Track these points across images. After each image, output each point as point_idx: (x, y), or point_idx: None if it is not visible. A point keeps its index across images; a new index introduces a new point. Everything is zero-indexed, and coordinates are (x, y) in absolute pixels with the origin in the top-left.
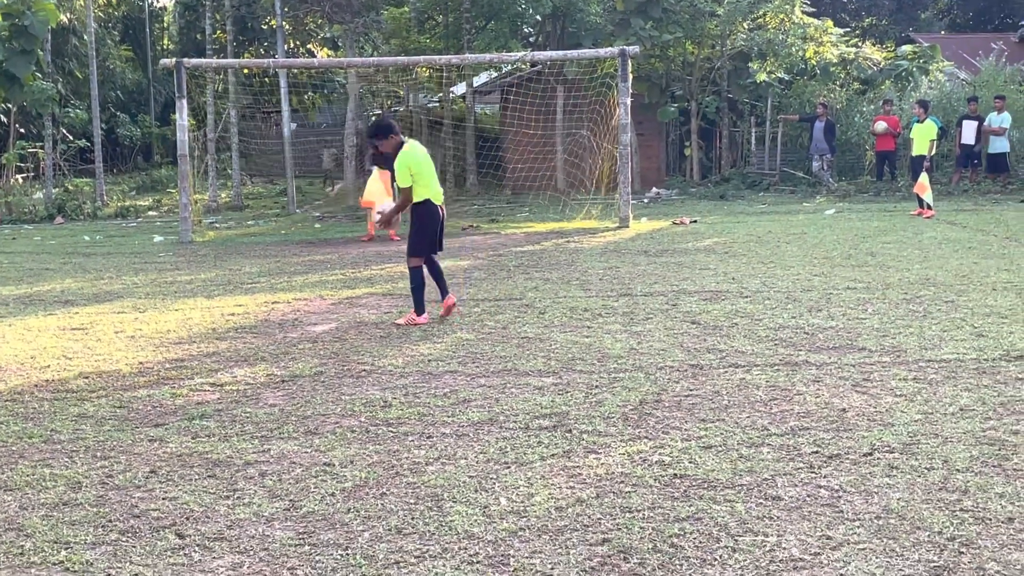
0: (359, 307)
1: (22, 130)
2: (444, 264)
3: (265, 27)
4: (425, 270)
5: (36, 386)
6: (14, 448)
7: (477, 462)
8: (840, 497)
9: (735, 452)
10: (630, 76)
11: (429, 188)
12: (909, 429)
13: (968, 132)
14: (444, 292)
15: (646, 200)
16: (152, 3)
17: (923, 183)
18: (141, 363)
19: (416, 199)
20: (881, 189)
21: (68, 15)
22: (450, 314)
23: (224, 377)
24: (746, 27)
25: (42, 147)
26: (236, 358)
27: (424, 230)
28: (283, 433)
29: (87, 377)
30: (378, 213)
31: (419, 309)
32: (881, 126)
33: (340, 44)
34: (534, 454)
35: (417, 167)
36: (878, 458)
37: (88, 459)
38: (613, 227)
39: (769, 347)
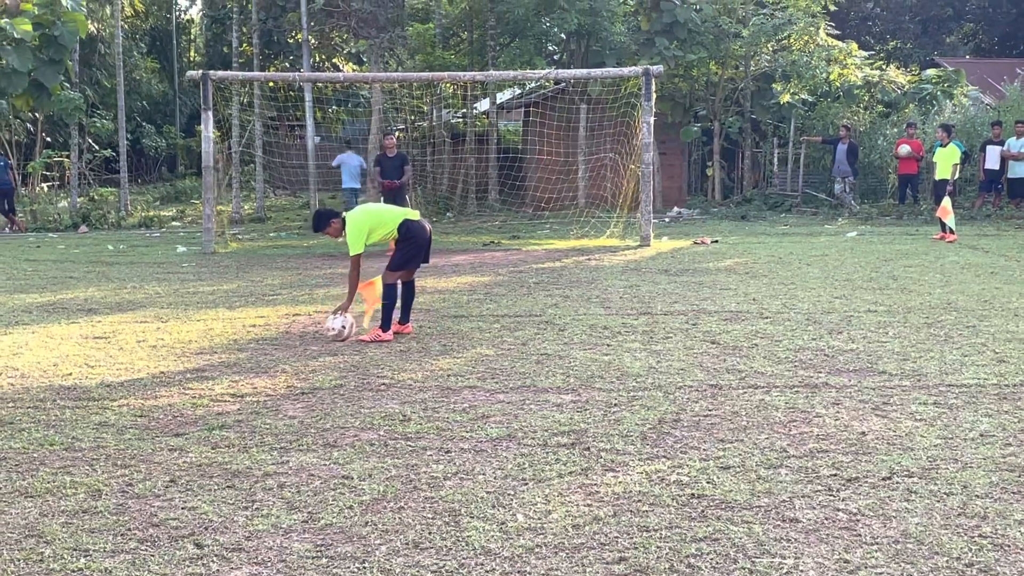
0: (379, 320)
1: (49, 139)
2: (465, 279)
3: (291, 41)
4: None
5: (58, 393)
6: (35, 455)
7: (495, 478)
8: (858, 521)
9: (753, 473)
10: (653, 95)
11: (402, 215)
12: (928, 454)
13: (992, 157)
14: (405, 318)
15: (667, 219)
16: (180, 15)
17: (946, 207)
18: (162, 372)
19: (397, 231)
20: (903, 212)
21: (97, 25)
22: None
23: (244, 388)
24: (770, 49)
25: (68, 156)
26: (256, 369)
27: (411, 249)
28: (302, 445)
29: (109, 385)
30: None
31: (386, 326)
32: (904, 149)
33: (365, 59)
34: (552, 471)
35: (376, 221)
36: (897, 482)
37: (108, 467)
38: (634, 245)
39: (789, 369)
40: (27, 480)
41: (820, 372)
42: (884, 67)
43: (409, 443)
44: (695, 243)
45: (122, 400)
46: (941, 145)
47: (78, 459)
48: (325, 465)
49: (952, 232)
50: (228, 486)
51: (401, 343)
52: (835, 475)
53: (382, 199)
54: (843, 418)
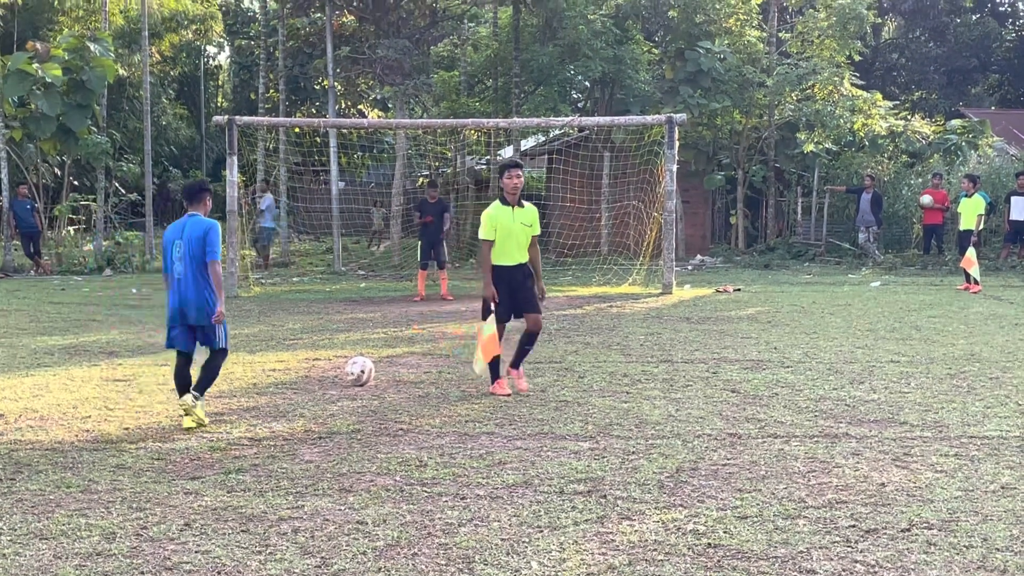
0: (399, 366)
1: (76, 183)
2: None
3: (318, 87)
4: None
5: (77, 436)
6: (51, 497)
7: (510, 525)
8: (876, 573)
9: (771, 523)
10: (676, 143)
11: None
12: (948, 506)
13: (1017, 208)
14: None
15: (690, 267)
16: (208, 62)
17: (970, 258)
18: (181, 416)
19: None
20: (928, 263)
21: (126, 70)
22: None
23: (262, 432)
24: (794, 98)
25: (94, 200)
26: (275, 413)
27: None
28: (317, 490)
29: (127, 428)
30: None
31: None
32: (925, 199)
33: (390, 105)
34: (567, 519)
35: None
36: (916, 534)
37: (124, 510)
38: (656, 293)
39: (809, 418)
40: (42, 522)
41: (840, 422)
42: (909, 117)
43: (425, 489)
44: (717, 291)
45: (140, 443)
46: (966, 195)
47: (94, 501)
48: (340, 510)
49: (977, 283)
50: (243, 530)
51: (420, 388)
52: (854, 526)
53: (420, 242)
54: (863, 469)
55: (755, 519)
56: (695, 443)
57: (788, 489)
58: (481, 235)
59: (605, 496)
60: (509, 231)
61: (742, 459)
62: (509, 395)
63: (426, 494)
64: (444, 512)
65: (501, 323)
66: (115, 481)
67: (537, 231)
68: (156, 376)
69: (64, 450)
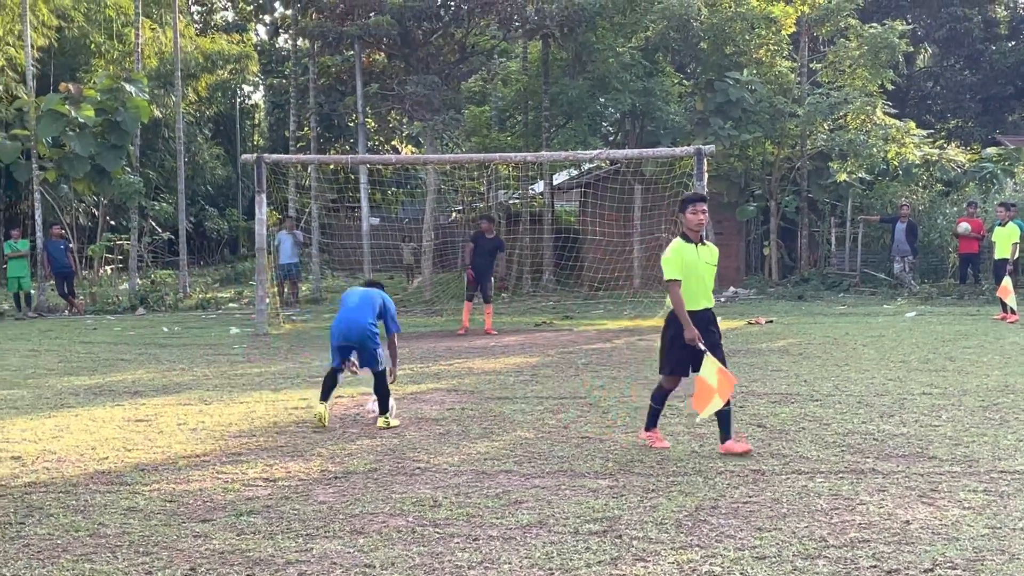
0: (422, 402)
1: (112, 222)
2: (513, 360)
3: (351, 124)
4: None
5: (91, 477)
6: (59, 541)
7: (520, 567)
8: None
9: (789, 564)
10: (706, 175)
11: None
12: (975, 544)
13: None
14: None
15: (723, 299)
16: (243, 101)
17: (1007, 287)
18: (198, 456)
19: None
20: (964, 292)
21: (161, 110)
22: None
23: (278, 472)
24: (826, 128)
25: (128, 239)
26: (293, 452)
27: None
28: (328, 532)
29: (143, 469)
30: None
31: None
32: (965, 227)
33: (422, 141)
34: (580, 560)
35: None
36: (939, 574)
37: (130, 554)
38: None
39: (835, 453)
40: (47, 567)
41: (868, 457)
42: (944, 146)
43: (437, 530)
44: (749, 323)
45: (154, 484)
46: (1000, 224)
47: (101, 546)
48: (349, 553)
49: (1014, 312)
50: (248, 574)
51: (441, 426)
52: (875, 567)
53: (467, 285)
54: (888, 506)
55: (773, 559)
56: (716, 480)
57: (809, 528)
58: (667, 276)
59: (620, 536)
60: (695, 271)
61: (764, 496)
62: (668, 447)
63: (438, 535)
64: (455, 554)
65: (676, 377)
66: (124, 524)
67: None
68: (177, 416)
69: (77, 492)
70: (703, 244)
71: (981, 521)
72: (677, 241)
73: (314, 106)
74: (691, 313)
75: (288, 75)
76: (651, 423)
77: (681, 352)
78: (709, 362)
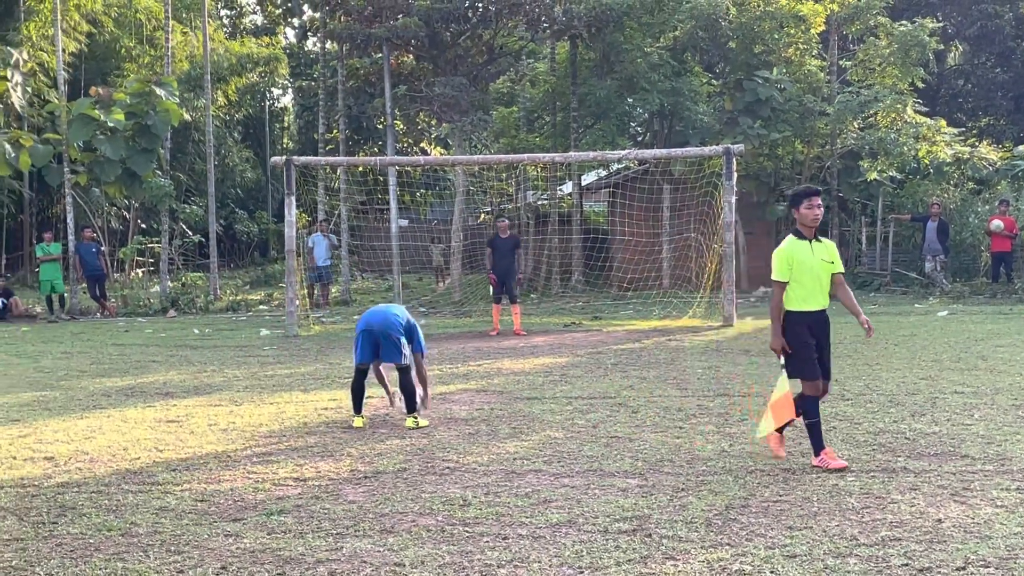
0: (451, 403)
1: (143, 225)
2: (543, 361)
3: (380, 126)
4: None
5: (123, 478)
6: (91, 541)
7: (550, 566)
8: None
9: (820, 563)
10: (735, 174)
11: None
12: (1007, 542)
13: None
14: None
15: (753, 299)
16: (272, 104)
17: None
18: (228, 456)
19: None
20: (997, 291)
21: (191, 114)
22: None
23: (308, 472)
24: (856, 126)
25: (159, 242)
26: (323, 452)
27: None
28: (358, 531)
29: (174, 469)
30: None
31: (815, 446)
32: (998, 224)
33: (450, 142)
34: (610, 559)
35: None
36: (971, 572)
37: (162, 553)
38: (716, 326)
39: (867, 452)
40: (79, 567)
41: (899, 456)
42: (975, 144)
43: (467, 529)
44: None
45: (185, 484)
46: None
47: (133, 545)
48: (379, 551)
49: None
50: (279, 573)
51: (471, 426)
52: (906, 565)
53: (491, 288)
54: (919, 504)
55: (804, 558)
56: (747, 479)
57: (840, 526)
58: (775, 276)
59: (650, 535)
60: (809, 269)
61: (794, 495)
62: (846, 467)
63: (467, 534)
64: (484, 553)
65: (813, 381)
66: (156, 524)
67: (840, 268)
68: (208, 416)
69: (109, 492)
70: (817, 240)
71: (1014, 519)
72: (789, 239)
73: (343, 108)
74: (804, 314)
75: (317, 78)
76: (818, 443)
77: (804, 351)
78: (782, 382)
